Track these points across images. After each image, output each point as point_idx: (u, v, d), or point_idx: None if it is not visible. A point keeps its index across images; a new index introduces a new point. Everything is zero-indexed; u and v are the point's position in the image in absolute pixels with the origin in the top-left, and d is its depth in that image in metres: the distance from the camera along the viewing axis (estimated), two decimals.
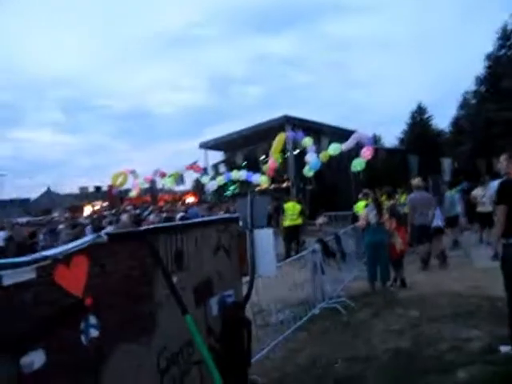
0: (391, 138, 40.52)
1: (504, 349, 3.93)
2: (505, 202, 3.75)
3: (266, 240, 3.55)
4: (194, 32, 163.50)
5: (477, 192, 10.20)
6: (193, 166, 20.53)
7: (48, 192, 18.77)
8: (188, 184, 27.09)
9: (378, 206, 7.12)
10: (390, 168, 19.66)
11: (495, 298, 5.37)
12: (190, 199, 27.09)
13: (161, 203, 24.41)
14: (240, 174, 18.24)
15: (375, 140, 14.20)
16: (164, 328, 2.14)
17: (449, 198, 10.52)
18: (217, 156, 29.06)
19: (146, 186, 21.41)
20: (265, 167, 16.98)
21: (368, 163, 14.59)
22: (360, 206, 9.47)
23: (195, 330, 2.22)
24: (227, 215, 4.76)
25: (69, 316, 1.60)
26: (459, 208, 10.56)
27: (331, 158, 14.97)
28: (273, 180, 19.19)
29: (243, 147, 22.71)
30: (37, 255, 1.49)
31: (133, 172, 20.74)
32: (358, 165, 13.63)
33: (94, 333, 1.70)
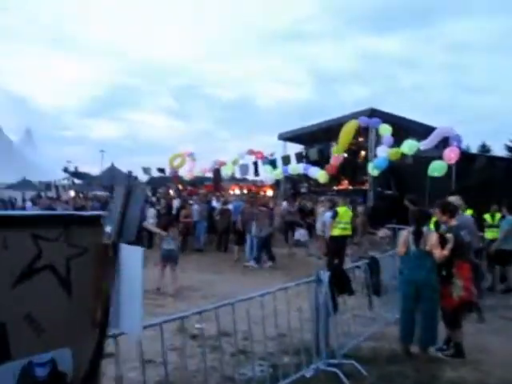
0: (500, 147, 35.36)
1: None
2: None
3: (133, 267, 1.99)
4: (302, 27, 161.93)
5: None
6: (254, 152, 18.75)
7: (111, 169, 18.45)
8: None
9: (436, 226, 4.71)
10: (491, 179, 16.05)
11: None
12: (269, 192, 25.64)
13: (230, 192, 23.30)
14: (298, 167, 16.04)
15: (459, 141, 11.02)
16: None
17: None
18: (297, 149, 27.20)
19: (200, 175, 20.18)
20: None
21: (462, 171, 11.69)
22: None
23: None
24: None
25: None
26: None
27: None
28: (335, 178, 16.84)
29: (322, 141, 20.63)
30: None
31: (191, 155, 19.49)
32: (436, 169, 10.68)
33: None
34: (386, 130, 12.90)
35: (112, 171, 18.32)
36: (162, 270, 8.07)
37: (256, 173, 20.37)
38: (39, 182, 27.50)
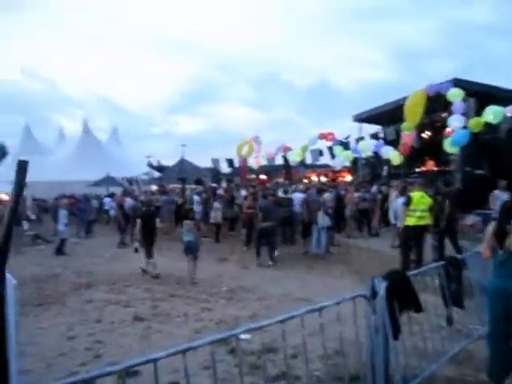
0: None
1: None
2: None
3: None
4: (378, 4, 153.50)
5: None
6: (324, 135, 17.49)
7: (182, 161, 18.42)
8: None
9: None
10: None
11: None
12: (347, 178, 24.35)
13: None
14: (368, 145, 14.52)
15: None
16: None
17: None
18: (373, 130, 25.34)
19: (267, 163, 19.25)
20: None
21: None
22: None
23: None
24: None
25: None
26: None
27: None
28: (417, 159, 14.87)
29: (401, 120, 18.79)
30: None
31: (256, 139, 18.52)
32: None
33: None
34: (456, 94, 10.99)
35: (182, 164, 18.24)
36: (188, 261, 8.44)
37: (332, 157, 19.12)
38: (122, 178, 28.74)
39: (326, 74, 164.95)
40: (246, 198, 12.34)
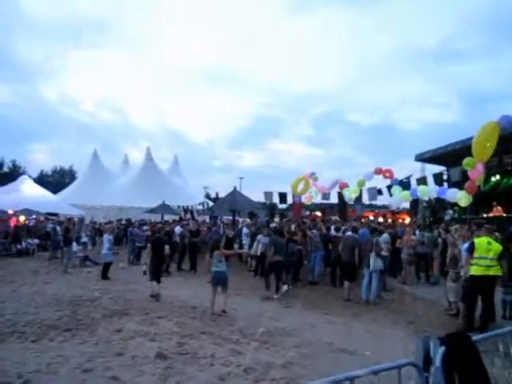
0: None
1: None
2: None
3: None
4: (447, 46, 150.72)
5: None
6: (382, 170, 16.53)
7: (234, 192, 18.22)
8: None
9: None
10: None
11: None
12: (407, 220, 23.09)
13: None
14: (428, 189, 13.46)
15: None
16: None
17: None
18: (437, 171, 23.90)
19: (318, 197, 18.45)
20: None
21: None
22: None
23: None
24: None
25: None
26: None
27: None
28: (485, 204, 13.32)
29: None
30: None
31: (312, 175, 17.87)
32: None
33: None
34: None
35: (234, 195, 18.02)
36: (212, 292, 8.21)
37: (390, 196, 18.07)
38: (178, 206, 29.23)
39: (390, 115, 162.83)
40: (293, 233, 11.70)
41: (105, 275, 11.92)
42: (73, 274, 12.99)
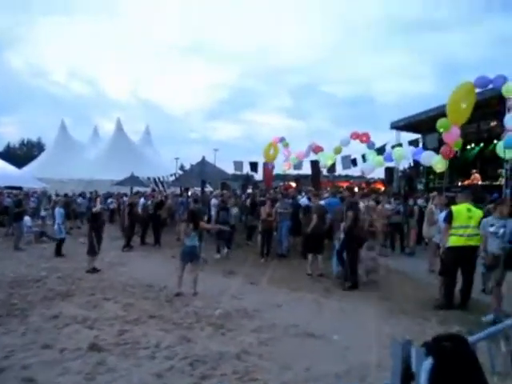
0: None
1: None
2: None
3: None
4: (427, 16, 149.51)
5: None
6: (359, 135, 15.84)
7: (202, 162, 17.23)
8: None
9: None
10: None
11: None
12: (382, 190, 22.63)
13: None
14: (403, 152, 12.78)
15: None
16: None
17: None
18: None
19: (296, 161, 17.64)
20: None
21: None
22: None
23: None
24: None
25: None
26: None
27: None
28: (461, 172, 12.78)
29: None
30: None
31: (282, 140, 16.92)
32: None
33: None
34: (509, 89, 9.18)
35: (203, 165, 17.03)
36: (181, 268, 7.31)
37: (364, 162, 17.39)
38: (148, 178, 28.11)
39: (367, 86, 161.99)
40: (261, 203, 10.89)
41: (58, 252, 10.94)
42: (26, 250, 11.96)
